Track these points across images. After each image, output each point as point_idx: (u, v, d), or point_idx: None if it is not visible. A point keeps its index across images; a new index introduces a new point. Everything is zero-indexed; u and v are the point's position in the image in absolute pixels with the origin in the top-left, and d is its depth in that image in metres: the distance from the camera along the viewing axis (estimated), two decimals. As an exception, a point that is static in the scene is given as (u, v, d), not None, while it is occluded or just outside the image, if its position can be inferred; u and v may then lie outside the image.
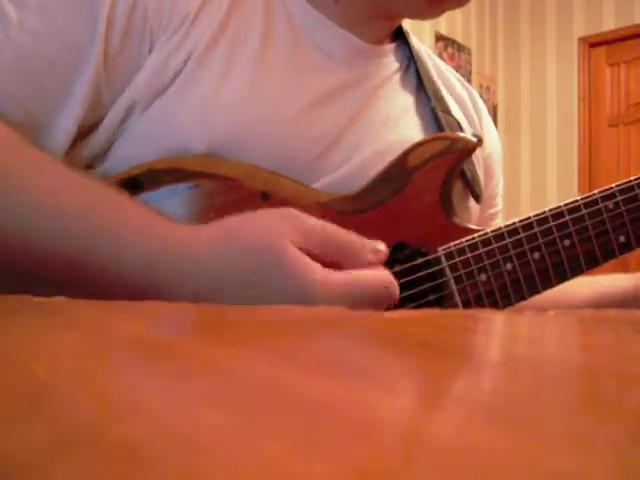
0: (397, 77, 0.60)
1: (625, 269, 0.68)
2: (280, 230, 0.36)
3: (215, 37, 0.49)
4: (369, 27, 0.57)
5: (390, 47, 0.61)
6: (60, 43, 0.45)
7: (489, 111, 0.74)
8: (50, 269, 0.37)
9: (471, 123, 0.66)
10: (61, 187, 0.39)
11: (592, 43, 3.86)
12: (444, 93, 0.63)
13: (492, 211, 0.69)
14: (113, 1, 0.46)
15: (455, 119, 0.62)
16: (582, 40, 3.87)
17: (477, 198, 0.60)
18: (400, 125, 0.58)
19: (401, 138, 0.57)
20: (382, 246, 0.39)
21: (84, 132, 0.47)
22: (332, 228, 0.38)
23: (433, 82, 0.62)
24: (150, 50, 0.47)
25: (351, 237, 0.38)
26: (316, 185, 0.51)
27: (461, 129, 0.61)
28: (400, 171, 0.52)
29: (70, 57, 0.45)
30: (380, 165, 0.53)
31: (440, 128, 0.59)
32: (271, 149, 0.50)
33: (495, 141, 0.70)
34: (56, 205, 0.38)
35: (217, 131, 0.48)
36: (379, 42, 0.59)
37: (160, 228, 0.38)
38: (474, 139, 0.54)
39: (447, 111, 0.61)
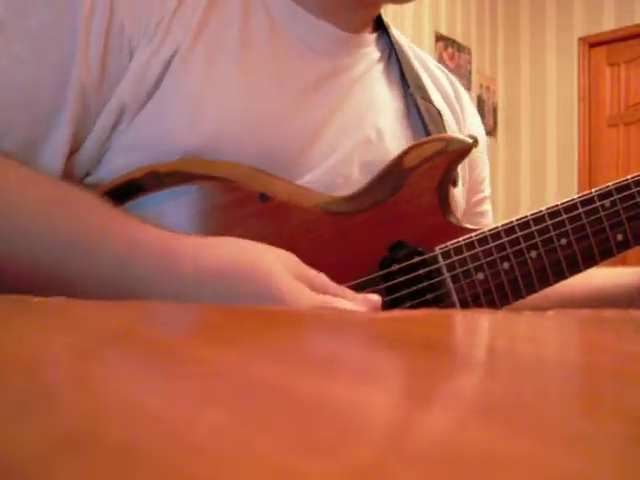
0: (379, 67, 0.61)
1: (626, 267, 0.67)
2: (273, 265, 0.39)
3: (195, 38, 0.49)
4: (348, 16, 0.57)
5: (371, 37, 0.61)
6: (43, 67, 0.45)
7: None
8: (29, 285, 0.38)
9: (453, 112, 0.66)
10: (51, 203, 0.40)
11: (592, 43, 3.86)
12: (426, 82, 0.64)
13: (480, 196, 0.70)
14: (89, 20, 0.46)
15: (436, 108, 0.62)
16: (582, 40, 3.87)
17: (454, 182, 0.60)
18: (382, 115, 0.58)
19: (381, 129, 0.57)
20: (375, 296, 0.41)
21: (75, 147, 0.48)
22: (324, 277, 0.41)
23: (414, 71, 0.63)
24: (130, 58, 0.48)
25: (342, 289, 0.41)
26: (303, 180, 0.52)
27: (441, 118, 0.62)
28: (397, 172, 0.53)
29: (54, 79, 0.46)
30: (360, 156, 0.54)
31: (421, 118, 0.59)
32: (257, 145, 0.50)
33: (478, 128, 0.70)
34: (43, 221, 0.39)
35: (204, 131, 0.48)
36: (359, 32, 0.59)
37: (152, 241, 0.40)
38: (470, 140, 0.54)
39: (428, 99, 0.62)
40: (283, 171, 0.51)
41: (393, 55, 0.63)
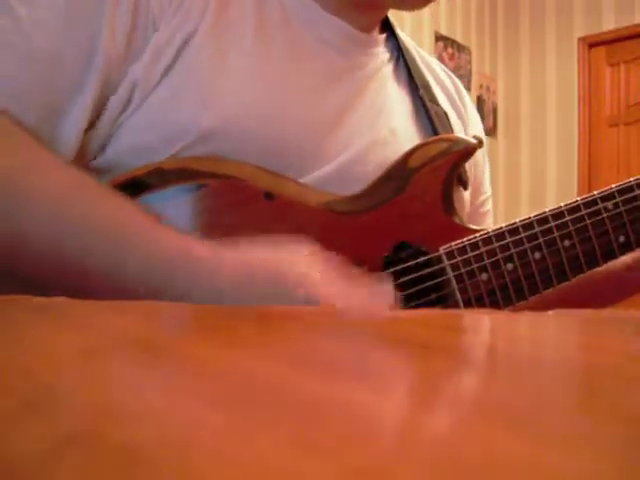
0: (388, 67, 0.62)
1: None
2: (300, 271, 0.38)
3: (211, 24, 0.50)
4: (357, 15, 0.58)
5: (381, 38, 0.62)
6: (69, 37, 0.45)
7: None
8: (64, 277, 0.37)
9: (457, 112, 0.67)
10: (87, 194, 0.39)
11: (592, 43, 3.85)
12: (432, 84, 0.65)
13: (483, 198, 0.70)
14: None
15: (443, 109, 0.63)
16: (582, 40, 3.87)
17: (464, 185, 0.61)
18: (394, 115, 0.59)
19: (395, 129, 0.58)
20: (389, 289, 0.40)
21: (91, 123, 0.48)
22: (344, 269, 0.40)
23: (421, 73, 0.64)
24: (153, 34, 0.48)
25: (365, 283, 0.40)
26: (316, 175, 0.52)
27: (448, 119, 0.63)
28: (401, 172, 0.53)
29: (80, 52, 0.46)
30: (376, 155, 0.54)
31: (429, 119, 0.60)
32: (269, 134, 0.50)
33: (479, 128, 0.71)
34: (80, 212, 0.38)
35: (219, 111, 0.48)
36: (369, 31, 0.60)
37: (179, 241, 0.38)
38: (474, 141, 0.55)
39: (435, 101, 0.63)
40: (296, 163, 0.51)
41: (401, 57, 0.63)
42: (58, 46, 0.45)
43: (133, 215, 0.39)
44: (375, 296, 0.39)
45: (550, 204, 0.55)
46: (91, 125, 0.48)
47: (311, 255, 0.39)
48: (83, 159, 0.48)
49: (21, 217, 0.37)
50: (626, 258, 0.61)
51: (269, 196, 0.49)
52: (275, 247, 0.39)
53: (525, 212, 0.54)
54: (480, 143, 0.55)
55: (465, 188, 0.61)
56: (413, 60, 0.64)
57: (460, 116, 0.67)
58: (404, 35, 0.66)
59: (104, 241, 0.37)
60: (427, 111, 0.60)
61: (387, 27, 0.64)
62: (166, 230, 0.39)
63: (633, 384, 0.14)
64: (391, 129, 0.57)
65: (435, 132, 0.59)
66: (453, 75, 0.72)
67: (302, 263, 0.38)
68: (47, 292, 0.26)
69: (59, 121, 0.45)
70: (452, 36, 3.72)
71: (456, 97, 0.69)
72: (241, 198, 0.49)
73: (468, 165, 0.63)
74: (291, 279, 0.37)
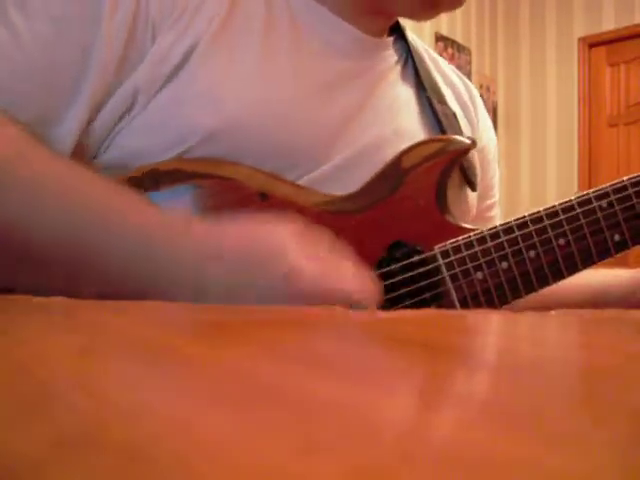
0: (397, 70, 0.62)
1: (625, 267, 0.67)
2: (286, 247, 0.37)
3: (219, 30, 0.50)
4: (367, 20, 0.58)
5: (389, 40, 0.62)
6: (67, 46, 0.46)
7: (489, 111, 0.75)
8: (52, 262, 0.37)
9: (467, 114, 0.67)
10: (72, 182, 0.39)
11: (592, 43, 3.86)
12: (441, 85, 0.65)
13: (490, 202, 0.70)
14: (115, 2, 0.46)
15: (451, 109, 0.63)
16: (582, 40, 3.87)
17: (473, 186, 0.61)
18: (401, 116, 0.59)
19: (401, 129, 0.58)
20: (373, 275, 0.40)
21: (85, 128, 0.48)
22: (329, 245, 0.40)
23: (430, 75, 0.64)
24: (152, 43, 0.48)
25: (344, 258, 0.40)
26: (318, 173, 0.52)
27: (457, 119, 0.63)
28: (395, 172, 0.53)
29: (77, 58, 0.46)
30: (380, 155, 0.55)
31: (437, 119, 0.60)
32: (279, 132, 0.50)
33: (490, 133, 0.71)
34: (64, 197, 0.38)
35: (225, 112, 0.49)
36: (377, 35, 0.60)
37: (166, 221, 0.39)
38: (468, 141, 0.55)
39: (443, 102, 0.63)
40: (299, 165, 0.51)
41: (409, 58, 0.63)
42: (54, 55, 0.45)
43: (129, 200, 0.39)
44: (358, 279, 0.39)
45: (550, 204, 0.55)
46: (85, 130, 0.48)
47: (297, 232, 0.38)
48: (80, 157, 0.48)
49: (15, 206, 0.37)
50: (614, 285, 0.62)
51: (264, 196, 0.49)
52: (262, 224, 0.39)
53: (525, 212, 0.54)
54: (474, 143, 0.55)
55: (473, 189, 0.61)
56: (422, 61, 0.64)
57: (469, 118, 0.67)
58: (414, 37, 0.67)
59: (102, 228, 0.37)
60: (435, 112, 0.60)
61: (396, 28, 0.64)
62: (152, 207, 0.39)
63: (633, 384, 0.14)
64: (396, 130, 0.57)
65: (443, 132, 0.59)
66: (466, 79, 0.72)
67: (289, 239, 0.37)
68: (47, 292, 0.26)
69: (53, 126, 0.46)
70: (452, 36, 3.72)
71: (467, 98, 0.69)
72: (236, 199, 0.49)
73: (478, 166, 0.63)
74: (279, 259, 0.36)
